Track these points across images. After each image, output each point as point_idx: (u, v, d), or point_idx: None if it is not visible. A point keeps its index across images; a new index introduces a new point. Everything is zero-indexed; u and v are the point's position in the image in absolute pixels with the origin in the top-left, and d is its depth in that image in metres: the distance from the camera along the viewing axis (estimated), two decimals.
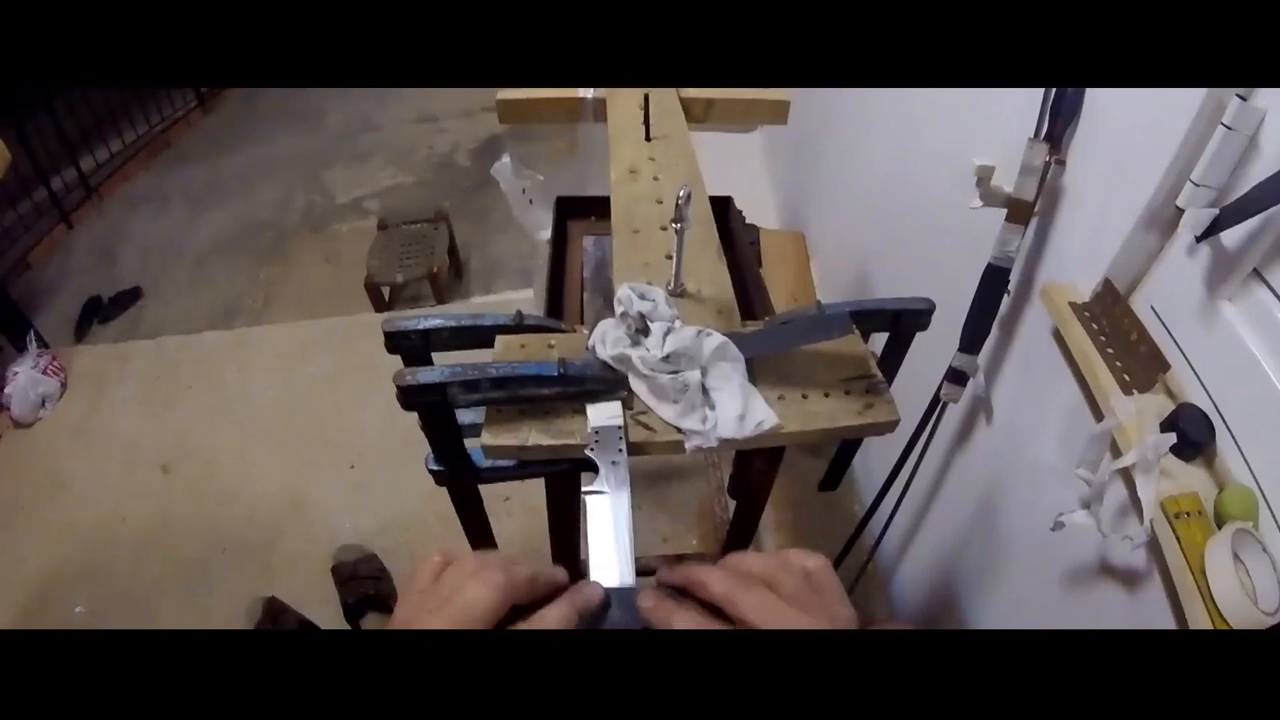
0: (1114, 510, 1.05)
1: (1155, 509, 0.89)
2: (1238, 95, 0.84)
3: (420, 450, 1.02)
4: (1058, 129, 1.12)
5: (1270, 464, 0.86)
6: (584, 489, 0.75)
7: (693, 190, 0.98)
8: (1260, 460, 0.87)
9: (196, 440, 2.68)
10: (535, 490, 1.14)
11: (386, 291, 3.13)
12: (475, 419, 0.92)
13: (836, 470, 1.32)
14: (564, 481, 1.06)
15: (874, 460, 2.17)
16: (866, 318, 1.06)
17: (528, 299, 2.96)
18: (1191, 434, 0.91)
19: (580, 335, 1.03)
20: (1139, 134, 1.00)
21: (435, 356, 1.04)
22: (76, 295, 3.35)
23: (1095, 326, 1.08)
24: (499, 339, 1.00)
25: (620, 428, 0.85)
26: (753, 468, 1.17)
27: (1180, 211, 0.92)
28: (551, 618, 0.51)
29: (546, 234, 1.56)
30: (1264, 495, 0.85)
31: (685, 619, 0.51)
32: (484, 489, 1.12)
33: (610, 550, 0.67)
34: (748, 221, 2.90)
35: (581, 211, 1.61)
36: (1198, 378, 0.96)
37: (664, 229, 1.19)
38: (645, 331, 0.93)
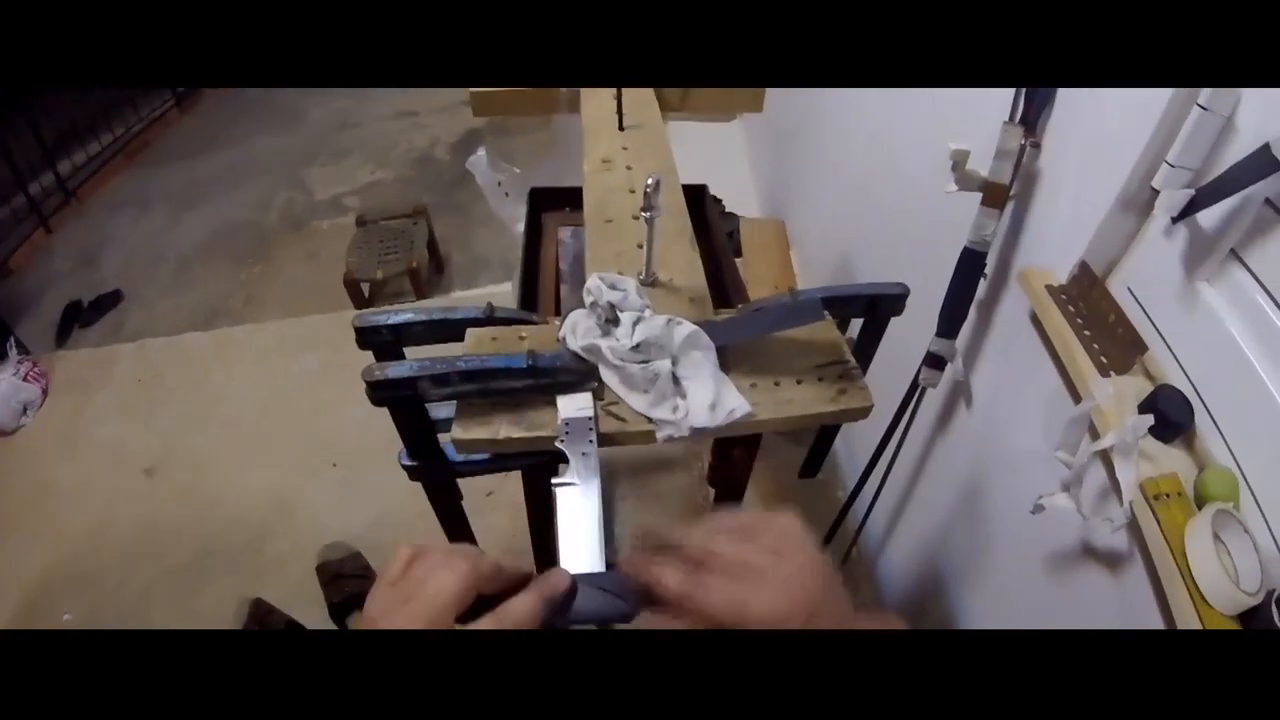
0: (1094, 492, 1.06)
1: (1135, 491, 0.89)
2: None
3: (398, 454, 1.02)
4: (1033, 112, 1.13)
5: (1250, 445, 0.86)
6: (553, 481, 0.74)
7: (663, 179, 0.98)
8: (1240, 441, 0.88)
9: (181, 443, 2.66)
10: (518, 486, 1.14)
11: (367, 288, 3.11)
12: (449, 414, 0.92)
13: (816, 457, 1.32)
14: (541, 474, 1.06)
15: (857, 446, 2.18)
16: (841, 304, 1.06)
17: (508, 293, 2.95)
18: (1170, 415, 0.92)
19: (552, 327, 1.02)
20: (1115, 116, 1.00)
21: (409, 352, 1.03)
22: (57, 300, 3.32)
23: (1073, 309, 1.09)
24: (470, 332, 1.00)
25: (590, 419, 0.85)
26: (731, 456, 1.17)
27: (1157, 193, 0.92)
28: (518, 606, 0.51)
29: (522, 226, 1.56)
30: (1244, 476, 0.86)
31: (665, 571, 0.53)
32: (467, 485, 1.12)
33: (580, 540, 0.66)
34: (728, 210, 2.91)
35: (556, 203, 1.61)
36: (1176, 359, 0.96)
37: (636, 218, 1.19)
38: (615, 321, 0.93)
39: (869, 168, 2.04)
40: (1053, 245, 1.16)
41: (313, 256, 3.54)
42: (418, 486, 1.08)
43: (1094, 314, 1.06)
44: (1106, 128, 1.02)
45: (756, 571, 0.52)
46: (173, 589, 2.20)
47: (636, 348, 0.89)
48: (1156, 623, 0.92)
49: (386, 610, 0.50)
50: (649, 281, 1.09)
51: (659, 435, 0.88)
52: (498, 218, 1.89)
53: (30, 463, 2.64)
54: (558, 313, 1.35)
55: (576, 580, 0.55)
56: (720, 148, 3.57)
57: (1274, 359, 0.83)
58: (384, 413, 0.93)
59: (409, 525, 2.26)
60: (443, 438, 0.97)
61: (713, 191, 1.61)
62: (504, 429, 0.87)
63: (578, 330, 0.92)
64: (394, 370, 0.85)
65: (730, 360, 0.96)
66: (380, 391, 0.86)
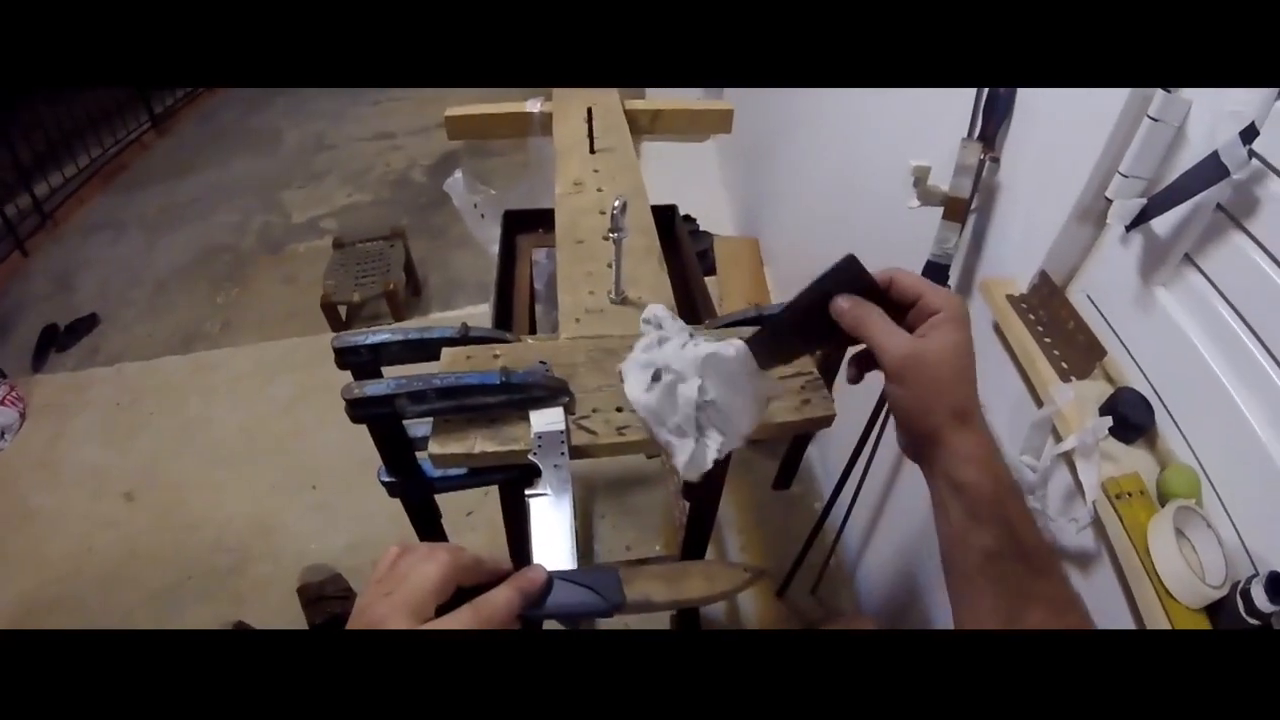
0: (1060, 495, 1.09)
1: (1098, 491, 0.92)
2: (1163, 88, 0.87)
3: (377, 471, 1.03)
4: (991, 128, 1.16)
5: (1209, 442, 0.89)
6: (527, 492, 0.77)
7: (631, 201, 1.00)
8: (1200, 439, 0.90)
9: (160, 467, 2.65)
10: (496, 507, 1.16)
11: (344, 311, 3.12)
12: (426, 432, 0.94)
13: (789, 468, 1.35)
14: (517, 490, 1.07)
15: (832, 458, 2.20)
16: None
17: (485, 314, 2.97)
18: (1130, 417, 0.94)
19: (526, 345, 1.05)
20: (1069, 129, 1.03)
21: (386, 372, 1.05)
22: (33, 324, 3.31)
23: (1033, 318, 1.12)
24: (445, 351, 1.02)
25: (562, 432, 0.88)
26: None
27: (1111, 203, 0.95)
28: (496, 597, 0.55)
29: (498, 247, 1.58)
30: (1205, 472, 0.89)
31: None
32: (446, 505, 1.14)
33: (553, 545, 0.69)
34: (703, 229, 2.95)
35: (530, 225, 1.63)
36: (1135, 362, 0.99)
37: (607, 239, 1.21)
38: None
39: (837, 185, 2.08)
40: (1013, 256, 1.19)
41: (290, 279, 3.54)
42: (397, 508, 1.09)
43: (1054, 321, 1.09)
44: (1061, 141, 1.05)
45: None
46: (154, 613, 2.19)
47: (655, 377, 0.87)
48: (1126, 618, 0.94)
49: (372, 602, 0.52)
50: (619, 300, 1.11)
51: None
52: (474, 239, 1.91)
53: (10, 487, 2.62)
54: (532, 331, 1.37)
55: (552, 576, 0.58)
56: (695, 168, 3.61)
57: (1230, 358, 0.86)
58: (362, 435, 0.94)
59: (388, 546, 2.27)
60: (421, 455, 0.99)
61: (687, 211, 1.64)
62: (479, 443, 0.89)
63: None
64: (372, 388, 0.87)
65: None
66: (359, 409, 0.88)
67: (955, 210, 1.19)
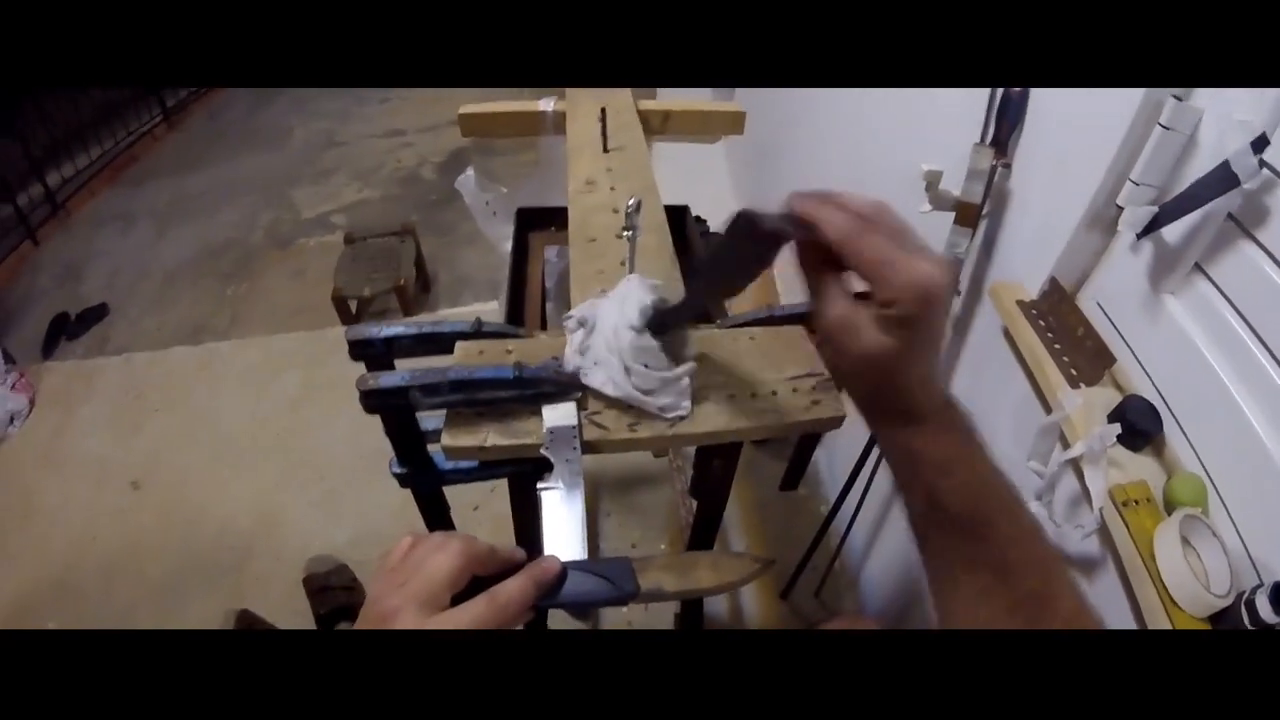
0: (1066, 501, 1.08)
1: (1104, 498, 0.91)
2: (1174, 96, 0.87)
3: (389, 462, 1.04)
4: (1003, 133, 1.16)
5: (1217, 451, 0.89)
6: (539, 485, 0.78)
7: (644, 200, 1.01)
8: (1207, 448, 0.90)
9: (166, 457, 2.66)
10: (504, 500, 1.17)
11: (354, 305, 3.12)
12: (438, 425, 0.95)
13: (796, 470, 1.36)
14: (527, 482, 1.08)
15: (839, 461, 2.21)
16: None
17: (494, 310, 2.97)
18: (1138, 424, 0.94)
19: (538, 340, 1.06)
20: (1081, 136, 1.03)
21: (398, 364, 1.06)
22: (44, 313, 3.32)
23: (1043, 324, 1.12)
24: (458, 345, 1.02)
25: (574, 427, 0.88)
26: (711, 467, 1.20)
27: (1122, 210, 0.96)
28: (511, 587, 0.55)
29: (509, 245, 1.59)
30: (1212, 481, 0.88)
31: (832, 214, 0.52)
32: (454, 499, 1.15)
33: (564, 536, 0.70)
34: (712, 230, 2.95)
35: (542, 222, 1.64)
36: (1144, 370, 1.00)
37: (619, 237, 1.22)
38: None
39: (847, 188, 2.06)
40: (1023, 262, 1.19)
41: (299, 274, 3.55)
42: (401, 502, 1.10)
43: (1064, 328, 1.09)
44: (1073, 148, 1.06)
45: (915, 246, 0.51)
46: (157, 604, 2.20)
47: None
48: (1129, 624, 0.94)
49: (386, 592, 0.52)
50: None
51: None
52: (484, 237, 1.92)
53: (16, 475, 2.63)
54: (543, 328, 1.38)
55: (566, 566, 0.59)
56: (704, 169, 3.61)
57: (1238, 368, 0.86)
58: (369, 429, 0.95)
59: (394, 540, 2.26)
60: (432, 447, 1.00)
61: (696, 212, 1.65)
62: (491, 437, 0.90)
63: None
64: (386, 380, 0.88)
65: (707, 373, 0.99)
66: (373, 400, 0.89)
67: (967, 215, 1.20)
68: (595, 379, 0.92)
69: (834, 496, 1.82)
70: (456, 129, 1.78)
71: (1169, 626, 0.81)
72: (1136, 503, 0.90)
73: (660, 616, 2.00)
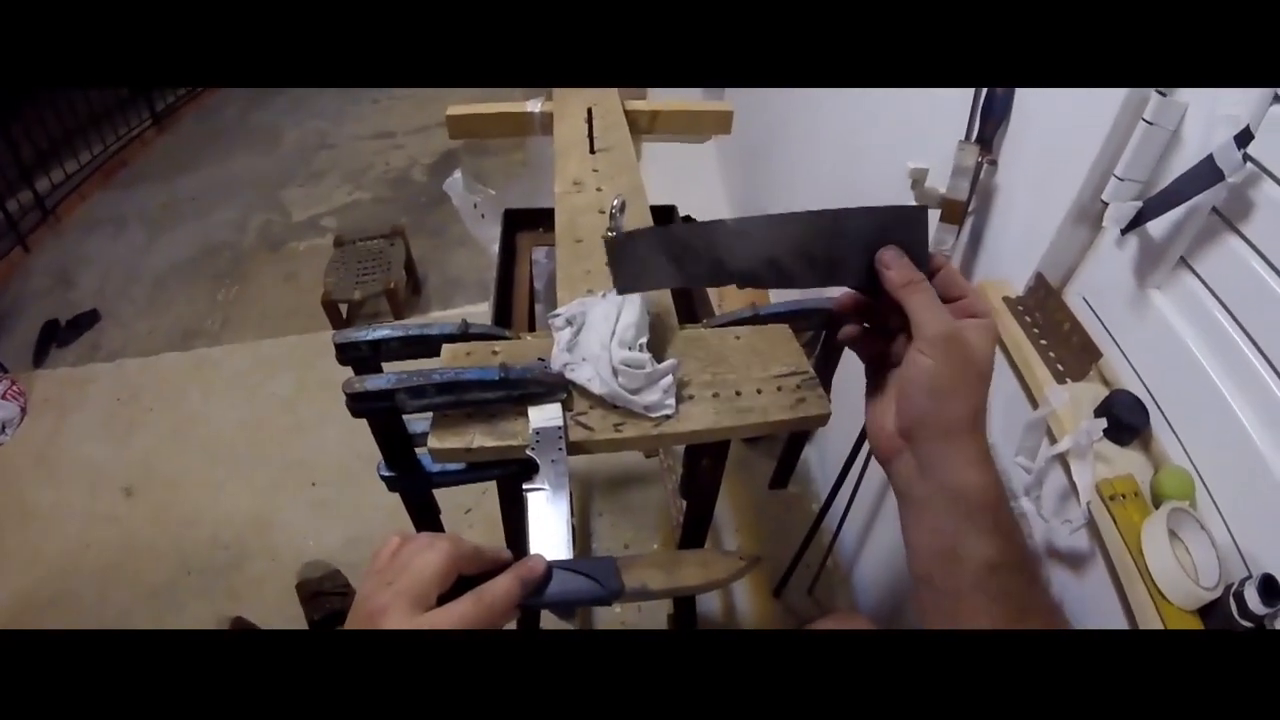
0: (1054, 496, 1.08)
1: (1092, 492, 0.92)
2: (1158, 92, 0.87)
3: (377, 465, 1.04)
4: (988, 130, 1.16)
5: (1204, 444, 0.89)
6: (525, 486, 0.78)
7: (630, 199, 1.01)
8: (1194, 441, 0.91)
9: (159, 463, 2.66)
10: (494, 504, 1.17)
11: (344, 309, 3.12)
12: (425, 428, 0.94)
13: (785, 468, 1.36)
14: (515, 484, 1.08)
15: (829, 458, 2.21)
16: (801, 316, 1.10)
17: (485, 313, 2.97)
18: (1125, 419, 0.94)
19: (525, 342, 1.06)
20: (1066, 132, 1.04)
21: (386, 367, 1.05)
22: (34, 319, 3.31)
23: (1029, 319, 1.12)
24: (445, 347, 1.02)
25: (560, 428, 0.88)
26: (700, 466, 1.20)
27: (1107, 205, 0.96)
28: (497, 586, 0.55)
29: (497, 247, 1.59)
30: (1199, 474, 0.89)
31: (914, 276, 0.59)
32: (445, 502, 1.14)
33: (549, 537, 0.70)
34: None
35: (530, 223, 1.64)
36: (1130, 364, 1.00)
37: (605, 237, 1.22)
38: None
39: (835, 187, 2.08)
40: (1009, 258, 1.20)
41: (290, 277, 3.54)
42: (395, 505, 1.10)
43: (1050, 323, 1.09)
44: (1058, 144, 1.06)
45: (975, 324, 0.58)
46: (151, 609, 2.20)
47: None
48: (1119, 619, 0.95)
49: (374, 591, 0.53)
50: None
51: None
52: (474, 239, 1.91)
53: (10, 482, 2.63)
54: (531, 329, 1.38)
55: (552, 565, 0.59)
56: (694, 169, 3.61)
57: (1224, 361, 0.86)
58: (361, 432, 0.95)
59: (389, 537, 2.27)
60: (420, 450, 1.00)
61: (687, 212, 1.64)
62: (477, 438, 0.90)
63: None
64: (373, 382, 0.88)
65: (693, 372, 0.99)
66: (360, 403, 0.89)
67: (952, 212, 1.20)
68: (581, 374, 0.92)
69: (825, 494, 1.82)
70: (445, 131, 1.78)
71: (1158, 620, 0.81)
72: (1124, 497, 0.90)
73: (653, 616, 2.00)
